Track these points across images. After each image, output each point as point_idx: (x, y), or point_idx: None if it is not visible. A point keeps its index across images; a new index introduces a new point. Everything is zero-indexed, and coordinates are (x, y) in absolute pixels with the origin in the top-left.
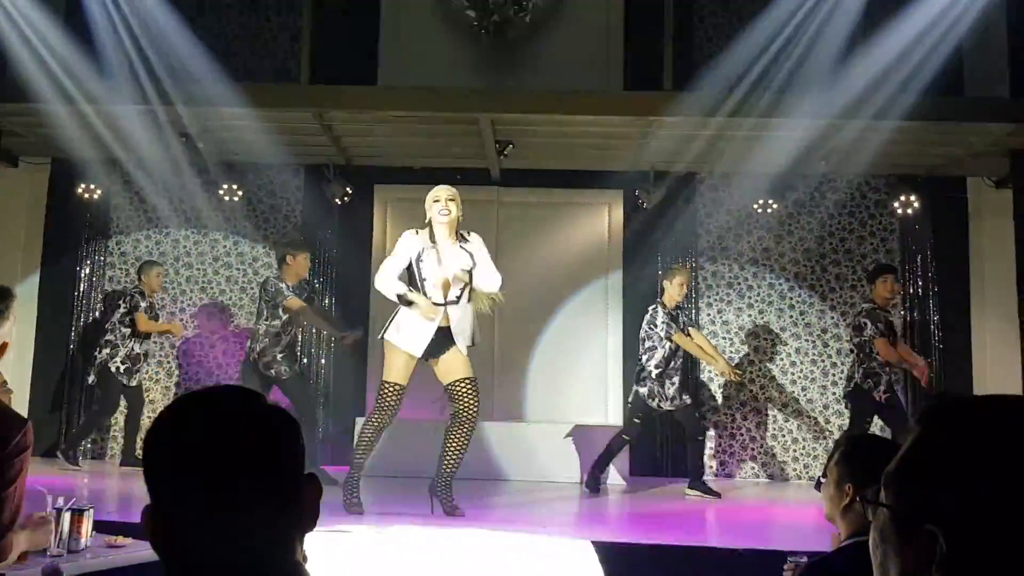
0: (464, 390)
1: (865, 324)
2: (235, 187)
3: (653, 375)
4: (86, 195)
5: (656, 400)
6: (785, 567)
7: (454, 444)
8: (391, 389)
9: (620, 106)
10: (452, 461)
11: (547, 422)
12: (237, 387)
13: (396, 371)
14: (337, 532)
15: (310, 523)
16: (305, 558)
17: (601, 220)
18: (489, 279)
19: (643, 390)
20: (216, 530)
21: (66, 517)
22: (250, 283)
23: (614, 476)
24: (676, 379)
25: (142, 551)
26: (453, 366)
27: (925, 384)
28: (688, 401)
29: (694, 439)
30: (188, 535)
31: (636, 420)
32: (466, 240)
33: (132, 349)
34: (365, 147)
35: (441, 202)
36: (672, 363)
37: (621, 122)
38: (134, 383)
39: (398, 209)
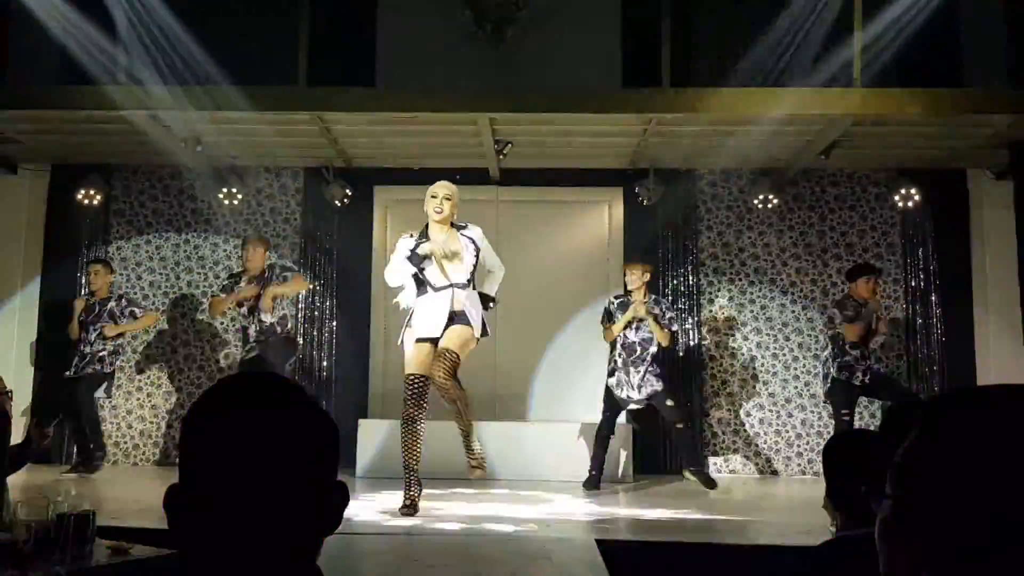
0: (439, 358)
1: (835, 314)
2: (235, 190)
3: (618, 363)
4: (85, 201)
5: (623, 389)
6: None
7: (454, 417)
8: (407, 380)
9: (619, 104)
10: (461, 428)
11: (549, 421)
12: (284, 379)
13: (409, 362)
14: None
15: (332, 528)
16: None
17: (601, 218)
18: (493, 272)
19: (611, 380)
20: (240, 521)
21: (68, 523)
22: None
23: (617, 473)
24: (643, 368)
25: (146, 556)
26: (448, 340)
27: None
28: (659, 387)
29: (673, 427)
30: (211, 523)
31: (606, 413)
32: (464, 228)
33: (83, 349)
34: (364, 149)
35: (438, 199)
36: (636, 352)
37: (620, 120)
38: (72, 373)
39: (398, 210)
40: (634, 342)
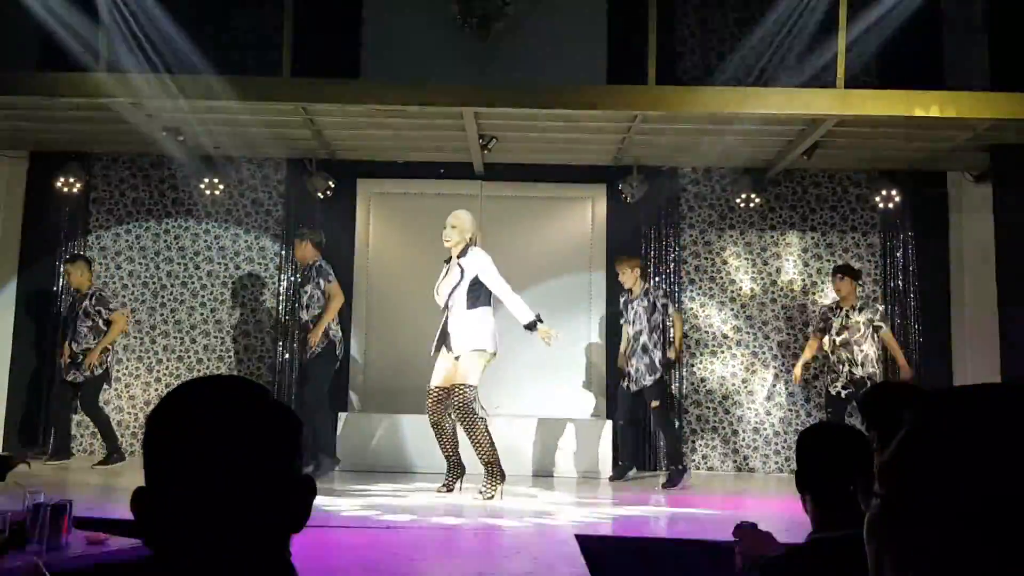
0: (453, 394)
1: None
2: (216, 181)
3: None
4: (65, 189)
5: (625, 381)
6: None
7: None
8: (428, 392)
9: (603, 100)
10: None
11: (530, 416)
12: (244, 379)
13: (434, 376)
14: None
15: (301, 523)
16: (289, 552)
17: (584, 214)
18: (498, 293)
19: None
20: (208, 521)
21: (45, 513)
22: (231, 278)
23: (595, 469)
24: (634, 359)
25: (123, 547)
26: (455, 372)
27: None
28: (647, 383)
29: (654, 419)
30: (179, 523)
31: (622, 406)
32: (465, 256)
33: (70, 348)
34: (348, 141)
35: (446, 229)
36: (636, 343)
37: (604, 116)
38: (70, 378)
39: (381, 203)
40: (630, 336)
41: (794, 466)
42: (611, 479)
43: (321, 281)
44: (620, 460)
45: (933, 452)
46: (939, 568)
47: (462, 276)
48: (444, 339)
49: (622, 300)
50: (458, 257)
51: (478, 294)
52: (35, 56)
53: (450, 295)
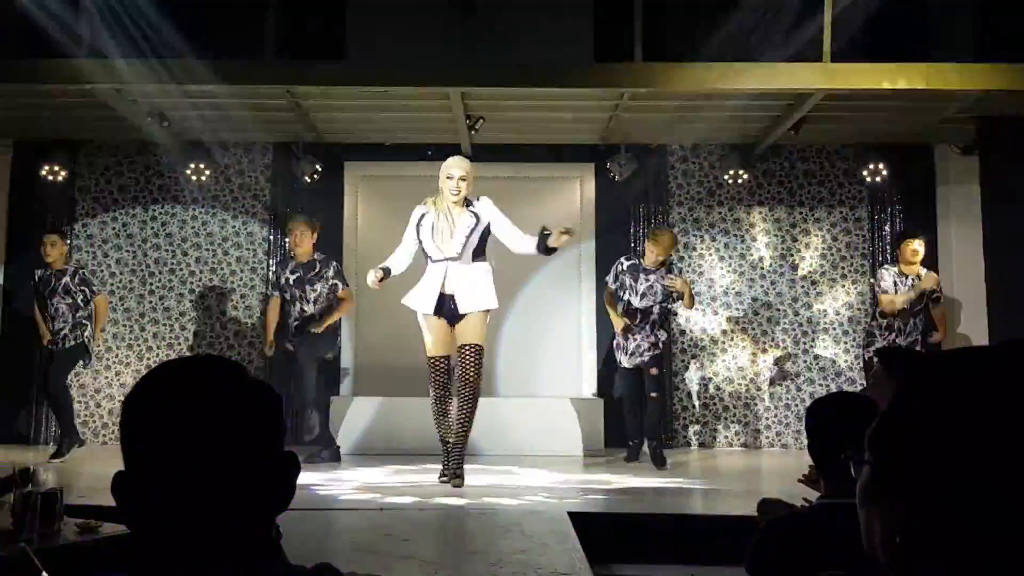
0: (464, 355)
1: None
2: (203, 166)
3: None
4: (50, 177)
5: (618, 354)
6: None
7: (456, 413)
8: (430, 363)
9: (591, 78)
10: (457, 431)
11: (521, 396)
12: (221, 358)
13: (428, 344)
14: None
15: (286, 501)
16: (279, 534)
17: (573, 194)
18: (512, 239)
19: (614, 345)
20: (190, 503)
21: (35, 501)
22: (219, 263)
23: (587, 446)
24: (639, 335)
25: (115, 534)
26: (464, 332)
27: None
28: (645, 358)
29: (647, 396)
30: (160, 506)
31: (619, 380)
32: (472, 204)
33: (53, 327)
34: (334, 123)
35: (454, 180)
36: (636, 319)
37: (592, 95)
38: (56, 347)
39: (368, 186)
40: (636, 309)
41: (785, 441)
42: (627, 460)
43: (339, 284)
44: (631, 440)
45: (919, 419)
46: (926, 534)
47: (477, 222)
48: (445, 300)
49: (625, 265)
50: (464, 206)
51: (484, 245)
52: (16, 42)
53: (465, 243)
